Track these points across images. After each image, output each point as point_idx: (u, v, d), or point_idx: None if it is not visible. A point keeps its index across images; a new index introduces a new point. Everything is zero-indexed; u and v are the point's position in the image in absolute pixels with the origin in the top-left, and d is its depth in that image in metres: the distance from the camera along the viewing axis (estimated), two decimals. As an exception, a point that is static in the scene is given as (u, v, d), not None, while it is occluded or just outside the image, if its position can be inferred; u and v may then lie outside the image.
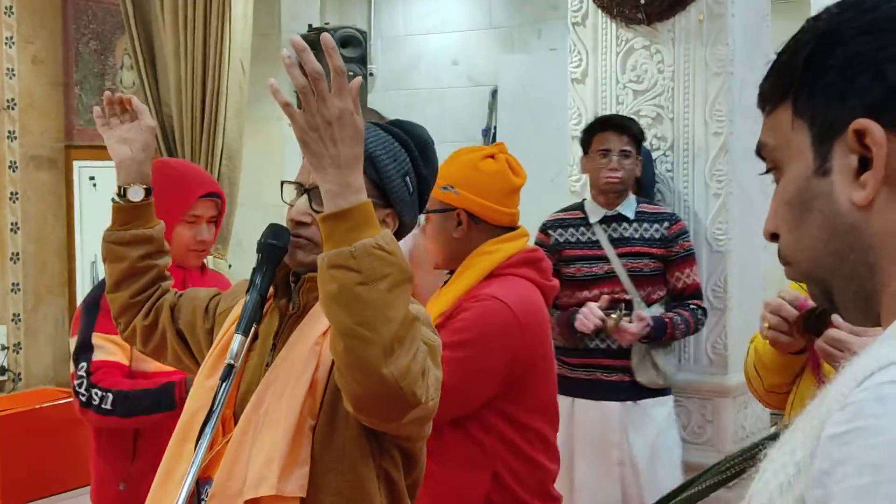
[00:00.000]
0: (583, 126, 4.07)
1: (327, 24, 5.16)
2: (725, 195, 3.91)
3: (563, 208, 3.83)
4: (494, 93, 8.33)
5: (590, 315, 3.49)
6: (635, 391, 3.62)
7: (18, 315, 5.07)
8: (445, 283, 2.52)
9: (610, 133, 3.65)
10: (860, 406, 0.74)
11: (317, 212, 1.76)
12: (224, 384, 1.68)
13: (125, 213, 2.05)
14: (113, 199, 2.07)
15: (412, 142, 1.89)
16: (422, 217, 2.42)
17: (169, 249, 2.16)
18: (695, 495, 1.10)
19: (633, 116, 4.00)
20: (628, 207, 3.66)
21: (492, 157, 2.50)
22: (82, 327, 2.79)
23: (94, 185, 5.25)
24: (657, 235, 3.61)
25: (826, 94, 0.89)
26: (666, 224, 3.64)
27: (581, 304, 3.56)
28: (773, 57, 0.99)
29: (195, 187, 2.85)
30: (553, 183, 5.12)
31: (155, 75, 4.55)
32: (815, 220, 0.90)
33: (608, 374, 3.62)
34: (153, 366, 2.70)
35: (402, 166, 1.85)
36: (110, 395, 2.70)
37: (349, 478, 1.68)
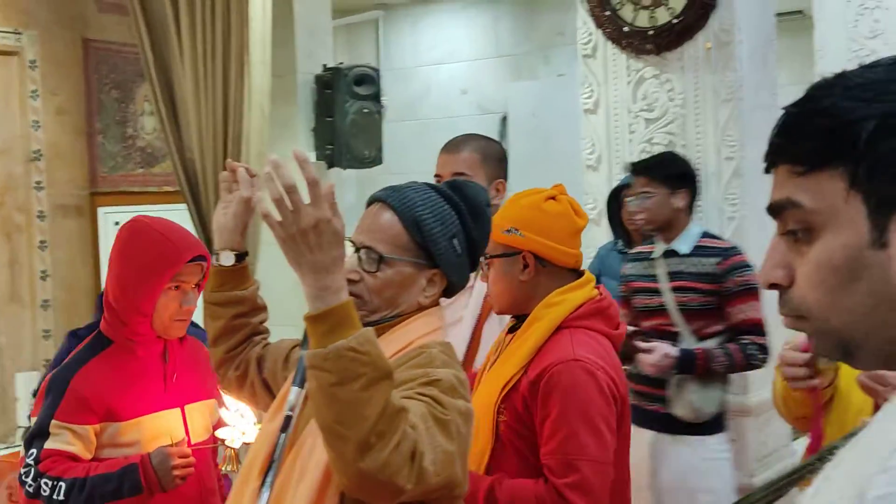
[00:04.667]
0: (596, 156, 4.17)
1: (341, 63, 5.25)
2: (740, 218, 4.00)
3: (646, 242, 3.88)
4: (504, 120, 8.42)
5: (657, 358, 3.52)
6: (670, 424, 3.61)
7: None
8: (512, 329, 2.48)
9: (635, 178, 3.71)
10: None
11: (366, 271, 1.87)
12: (283, 435, 1.77)
13: (219, 276, 2.15)
14: (213, 263, 2.17)
15: (464, 204, 1.97)
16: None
17: (265, 306, 2.23)
18: None
19: (645, 145, 4.10)
20: (682, 243, 3.66)
21: (553, 198, 2.46)
22: (43, 410, 2.59)
23: (120, 229, 5.35)
24: (708, 270, 3.60)
25: (890, 171, 0.93)
26: (718, 259, 3.60)
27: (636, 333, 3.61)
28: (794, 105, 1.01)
29: (182, 252, 2.63)
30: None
31: (176, 121, 4.65)
32: (863, 288, 0.95)
33: (649, 402, 3.64)
34: (118, 453, 2.60)
35: (449, 228, 1.93)
36: (62, 484, 2.50)
37: None
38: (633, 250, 3.88)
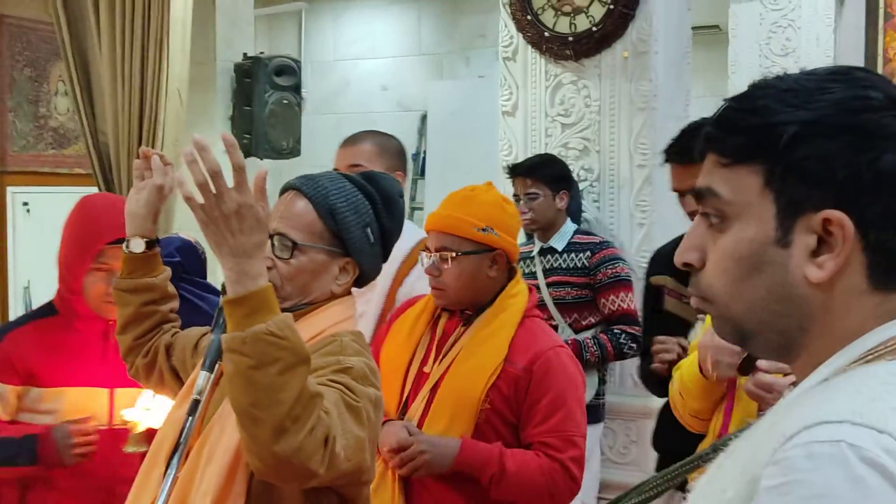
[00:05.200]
0: (513, 157, 4.23)
1: (262, 53, 5.23)
2: (649, 224, 4.09)
3: (524, 242, 3.98)
4: (424, 118, 8.45)
5: None
6: None
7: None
8: (466, 322, 2.54)
9: (518, 179, 3.89)
10: (792, 462, 0.87)
11: (279, 258, 1.88)
12: (190, 418, 1.77)
13: (129, 262, 2.15)
14: (123, 250, 2.17)
15: (377, 194, 2.00)
16: (424, 257, 2.53)
17: (175, 294, 2.23)
18: None
19: (561, 149, 4.16)
20: (558, 240, 3.88)
21: (506, 199, 2.60)
22: None
23: (28, 210, 5.25)
24: (580, 264, 3.82)
25: (803, 176, 0.98)
26: (588, 253, 3.83)
27: None
28: (715, 104, 1.06)
29: (103, 233, 2.56)
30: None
31: (91, 103, 4.57)
32: (763, 282, 1.01)
33: None
34: (36, 419, 2.60)
35: (363, 217, 1.97)
36: None
37: None
38: (521, 250, 3.94)
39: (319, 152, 7.39)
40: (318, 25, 8.93)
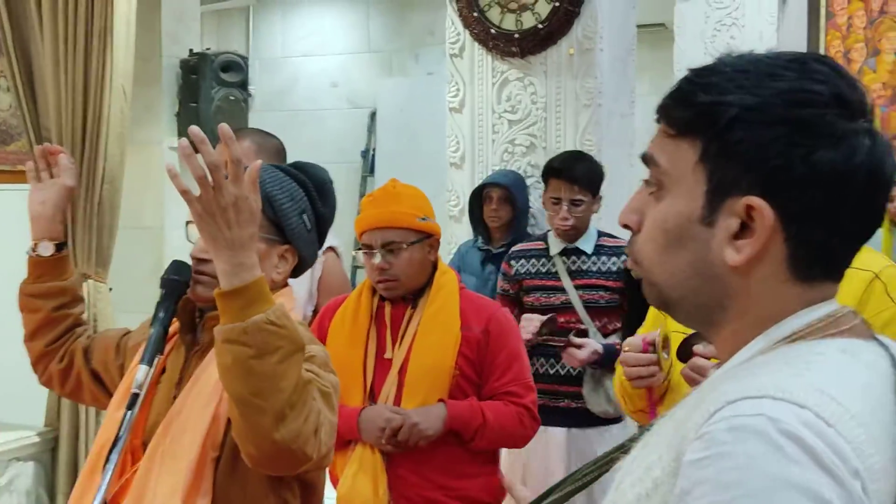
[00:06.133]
0: (461, 154, 4.24)
1: (208, 49, 5.19)
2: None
3: (529, 239, 3.90)
4: (373, 115, 8.45)
5: (529, 324, 3.51)
6: (583, 418, 3.64)
7: None
8: (413, 304, 2.74)
9: (562, 182, 3.66)
10: (714, 436, 0.88)
11: None
12: (129, 413, 1.76)
13: (38, 266, 2.12)
14: (27, 253, 2.13)
15: (310, 182, 2.03)
16: (364, 256, 2.68)
17: (83, 297, 2.22)
18: (555, 501, 1.22)
19: (507, 145, 4.18)
20: (587, 242, 3.71)
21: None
22: None
23: (-31, 208, 5.16)
24: (613, 268, 3.66)
25: (736, 159, 0.99)
26: (623, 257, 3.64)
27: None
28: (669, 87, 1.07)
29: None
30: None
31: (34, 99, 4.50)
32: (685, 256, 1.03)
33: (555, 400, 3.64)
34: None
35: (299, 204, 1.99)
36: None
37: None
38: (519, 247, 3.85)
39: (268, 149, 7.38)
40: (266, 21, 8.90)
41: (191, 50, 5.18)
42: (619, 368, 2.46)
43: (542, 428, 2.94)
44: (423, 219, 2.70)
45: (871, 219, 1.03)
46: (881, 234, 5.53)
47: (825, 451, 0.86)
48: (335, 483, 2.67)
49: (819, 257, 1.01)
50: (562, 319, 3.63)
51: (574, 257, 3.71)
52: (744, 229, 0.99)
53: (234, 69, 5.20)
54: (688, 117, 1.03)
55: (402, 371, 2.65)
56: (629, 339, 2.20)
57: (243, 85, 5.27)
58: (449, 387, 2.65)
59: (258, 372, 1.58)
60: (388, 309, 2.73)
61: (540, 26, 4.14)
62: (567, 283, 3.68)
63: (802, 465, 0.85)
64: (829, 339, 0.99)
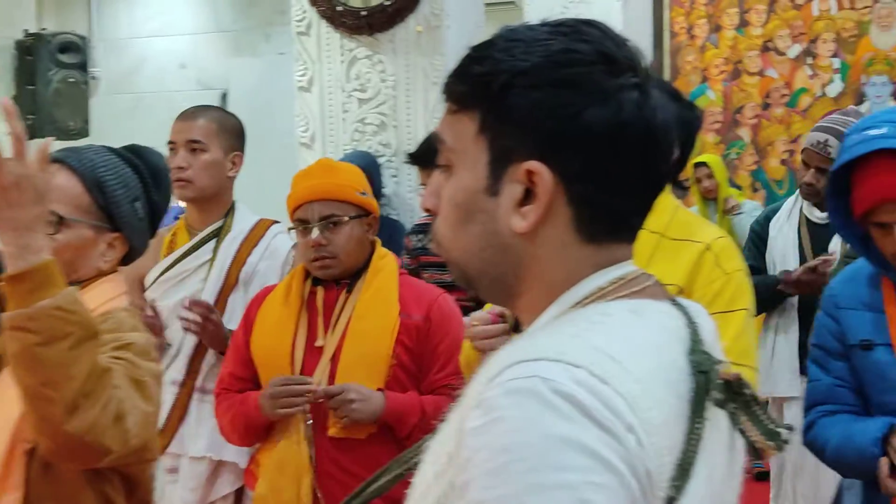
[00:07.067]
0: (311, 134, 4.19)
1: (44, 29, 5.01)
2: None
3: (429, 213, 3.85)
4: (224, 96, 8.30)
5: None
6: None
7: None
8: (349, 288, 2.54)
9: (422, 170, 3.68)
10: (491, 402, 0.89)
11: None
12: None
13: None
14: None
15: (146, 168, 1.95)
16: (297, 234, 2.51)
17: None
18: (382, 487, 1.22)
19: (358, 124, 4.15)
20: None
21: None
22: None
23: None
24: None
25: (512, 125, 0.99)
26: None
27: None
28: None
29: None
30: (284, 187, 5.19)
31: None
32: (475, 229, 1.02)
33: None
34: None
35: (132, 191, 1.91)
36: None
37: None
38: (421, 220, 3.82)
39: (115, 133, 7.13)
40: (110, 1, 8.62)
41: (26, 30, 4.99)
42: (465, 345, 2.45)
43: None
44: (363, 193, 2.54)
45: (651, 176, 1.03)
46: (697, 210, 5.73)
47: (598, 408, 0.87)
48: (252, 485, 2.54)
49: (603, 217, 1.01)
50: (456, 297, 3.64)
51: None
52: (528, 196, 0.99)
53: (73, 50, 5.05)
54: (464, 90, 1.03)
55: (335, 360, 2.46)
56: (474, 314, 2.19)
57: (83, 66, 5.13)
58: (386, 377, 2.46)
59: (46, 360, 1.52)
60: (320, 294, 2.53)
61: (387, 3, 4.10)
62: None
63: (575, 421, 0.86)
64: (621, 301, 1.00)
